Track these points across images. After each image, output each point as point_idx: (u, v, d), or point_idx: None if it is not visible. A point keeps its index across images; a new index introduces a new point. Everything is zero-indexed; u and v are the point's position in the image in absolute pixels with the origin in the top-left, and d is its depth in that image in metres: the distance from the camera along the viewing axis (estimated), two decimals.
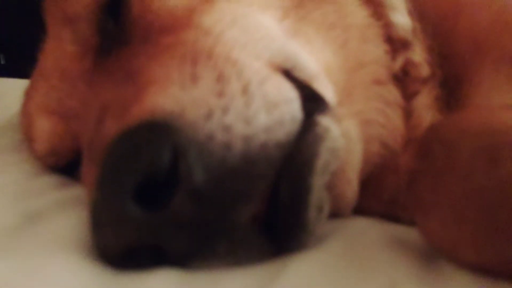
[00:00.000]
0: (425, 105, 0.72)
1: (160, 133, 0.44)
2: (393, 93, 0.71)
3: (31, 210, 0.55)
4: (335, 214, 0.64)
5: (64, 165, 0.72)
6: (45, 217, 0.54)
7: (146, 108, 0.47)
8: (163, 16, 0.62)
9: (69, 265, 0.44)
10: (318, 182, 0.50)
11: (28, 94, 0.76)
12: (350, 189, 0.65)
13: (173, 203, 0.42)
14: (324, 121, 0.55)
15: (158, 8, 0.63)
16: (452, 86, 0.74)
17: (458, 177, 0.44)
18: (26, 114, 0.76)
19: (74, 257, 0.45)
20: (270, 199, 0.48)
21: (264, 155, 0.46)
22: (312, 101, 0.57)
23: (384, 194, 0.70)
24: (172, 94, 0.48)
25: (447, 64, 0.74)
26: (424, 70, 0.72)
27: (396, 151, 0.71)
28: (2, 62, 4.63)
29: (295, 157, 0.49)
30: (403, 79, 0.72)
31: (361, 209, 0.69)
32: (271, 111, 0.49)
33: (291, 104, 0.52)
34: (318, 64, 0.66)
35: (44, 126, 0.70)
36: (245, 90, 0.50)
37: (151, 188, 0.42)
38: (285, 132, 0.49)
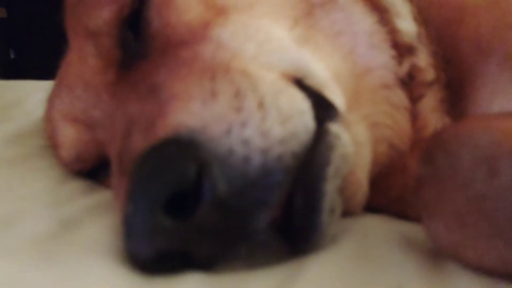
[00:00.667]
0: (431, 108, 0.75)
1: (185, 149, 0.48)
2: (399, 97, 0.74)
3: (64, 217, 0.59)
4: (346, 213, 0.68)
5: (89, 170, 0.76)
6: (78, 223, 0.58)
7: (171, 124, 0.51)
8: (180, 29, 0.66)
9: (104, 272, 0.48)
10: (330, 188, 0.54)
11: (51, 102, 0.80)
12: (360, 189, 0.69)
13: (199, 213, 0.47)
14: (335, 128, 0.58)
15: (175, 22, 0.66)
16: (456, 89, 0.76)
17: (460, 185, 0.47)
18: (50, 121, 0.79)
19: (108, 264, 0.49)
20: (287, 205, 0.52)
21: (281, 166, 0.50)
22: (323, 109, 0.60)
23: (392, 192, 0.74)
24: (194, 110, 0.51)
25: (451, 67, 0.76)
26: (429, 74, 0.75)
27: (404, 151, 0.74)
28: (12, 57, 4.68)
29: (308, 165, 0.53)
30: (409, 83, 0.75)
31: (370, 207, 0.73)
32: (286, 123, 0.53)
33: (304, 115, 0.55)
34: (327, 71, 0.69)
35: (69, 133, 0.73)
36: (261, 105, 0.53)
37: (179, 199, 0.46)
38: (299, 143, 0.53)
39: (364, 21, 0.76)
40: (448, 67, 0.77)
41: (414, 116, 0.75)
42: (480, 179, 0.46)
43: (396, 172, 0.75)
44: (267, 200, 0.49)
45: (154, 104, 0.56)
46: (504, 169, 0.45)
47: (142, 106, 0.58)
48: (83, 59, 0.72)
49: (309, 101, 0.57)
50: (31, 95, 1.09)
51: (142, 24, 0.67)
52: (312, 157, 0.54)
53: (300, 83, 0.62)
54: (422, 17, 0.79)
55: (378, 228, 0.63)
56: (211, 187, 0.47)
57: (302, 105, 0.56)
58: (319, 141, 0.55)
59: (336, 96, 0.65)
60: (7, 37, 4.60)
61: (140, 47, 0.67)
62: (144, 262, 0.48)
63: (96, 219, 0.59)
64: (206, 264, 0.49)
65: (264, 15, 0.71)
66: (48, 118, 0.80)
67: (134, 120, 0.57)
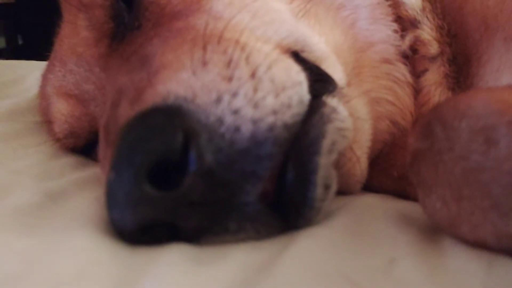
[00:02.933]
0: (434, 82, 0.73)
1: (172, 117, 0.46)
2: (401, 71, 0.72)
3: (52, 190, 0.59)
4: (345, 191, 0.66)
5: (82, 146, 0.75)
6: (66, 195, 0.58)
7: (159, 93, 0.49)
8: (174, 0, 0.64)
9: (89, 241, 0.47)
10: (324, 162, 0.52)
11: (46, 77, 0.79)
12: (359, 167, 0.67)
13: (184, 183, 0.45)
14: (332, 102, 0.57)
15: None
16: (461, 63, 0.74)
17: (457, 157, 0.45)
18: (44, 97, 0.79)
19: (93, 234, 0.48)
20: (279, 178, 0.50)
21: (272, 136, 0.49)
22: (320, 82, 0.58)
23: (394, 171, 0.72)
24: (184, 79, 0.50)
25: (456, 42, 0.74)
26: (433, 48, 0.73)
27: (406, 128, 0.72)
28: (20, 43, 4.70)
29: (301, 137, 0.51)
30: (412, 57, 0.73)
31: (372, 186, 0.71)
32: (279, 94, 0.51)
33: (298, 87, 0.53)
34: (327, 45, 0.67)
35: (62, 109, 0.73)
36: (253, 75, 0.51)
37: (165, 168, 0.45)
38: (292, 114, 0.51)
39: None
40: (453, 42, 0.74)
41: (416, 91, 0.73)
42: (477, 149, 0.44)
43: (397, 150, 0.73)
44: (256, 171, 0.48)
45: (143, 74, 0.55)
46: (502, 138, 0.43)
47: (132, 76, 0.56)
48: (76, 32, 0.71)
49: (306, 73, 0.55)
50: (30, 74, 1.09)
51: None
52: (306, 129, 0.52)
53: (298, 56, 0.60)
54: None
55: (375, 206, 0.62)
56: (198, 157, 0.45)
57: (297, 76, 0.54)
58: (314, 113, 0.53)
59: (335, 70, 0.64)
60: (15, 22, 4.62)
61: (133, 18, 0.66)
62: (127, 232, 0.47)
63: (84, 192, 0.58)
64: (193, 236, 0.48)
65: None
66: (42, 94, 0.80)
67: (123, 90, 0.56)
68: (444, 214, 0.47)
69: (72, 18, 0.72)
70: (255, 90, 0.50)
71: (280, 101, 0.51)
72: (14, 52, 4.77)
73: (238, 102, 0.49)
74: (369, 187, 0.71)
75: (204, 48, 0.54)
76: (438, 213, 0.48)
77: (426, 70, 0.73)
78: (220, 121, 0.47)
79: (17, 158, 0.72)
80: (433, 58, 0.73)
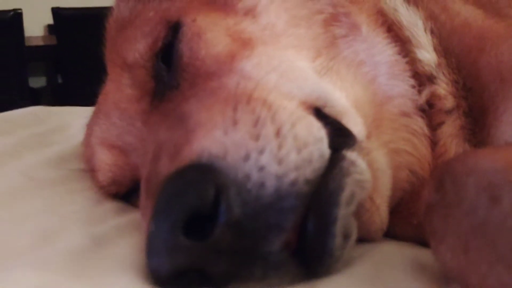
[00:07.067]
0: (450, 135, 0.76)
1: (205, 174, 0.52)
2: (419, 124, 0.76)
3: (96, 235, 0.65)
4: (366, 238, 0.70)
5: (124, 193, 0.81)
6: (109, 240, 0.63)
7: (195, 151, 0.55)
8: (208, 62, 0.70)
9: (131, 285, 0.52)
10: (343, 213, 0.56)
11: (90, 128, 0.86)
12: (379, 215, 0.71)
13: (215, 233, 0.50)
14: (351, 155, 0.61)
15: (205, 55, 0.71)
16: (477, 115, 0.77)
17: (465, 212, 0.49)
18: (88, 146, 0.85)
19: (133, 279, 0.53)
20: (301, 227, 0.55)
21: (294, 191, 0.53)
22: (340, 136, 0.63)
23: (413, 219, 0.74)
24: (216, 138, 0.56)
25: (472, 95, 0.78)
26: (449, 102, 0.77)
27: (424, 177, 0.76)
28: (60, 81, 4.91)
29: (322, 190, 0.56)
30: (429, 111, 0.77)
31: (394, 233, 0.74)
32: (301, 150, 0.56)
33: (320, 143, 0.58)
34: (348, 99, 0.72)
35: (106, 159, 0.79)
36: (278, 133, 0.57)
37: (198, 220, 0.50)
38: (313, 169, 0.56)
39: (385, 52, 0.79)
40: (469, 95, 0.78)
41: (434, 143, 0.77)
42: (483, 205, 0.48)
43: (417, 198, 0.76)
44: (280, 223, 0.52)
45: (181, 132, 0.60)
46: (506, 196, 0.46)
47: (171, 133, 0.62)
48: (120, 89, 0.77)
49: (327, 129, 0.60)
50: (74, 121, 1.16)
51: (174, 57, 0.73)
52: (326, 183, 0.56)
53: (320, 112, 0.65)
54: (443, 46, 0.81)
55: (393, 254, 0.65)
56: (227, 209, 0.51)
57: (318, 133, 0.59)
58: (334, 167, 0.58)
59: (355, 124, 0.68)
60: (56, 63, 4.84)
61: (172, 78, 0.72)
62: (164, 278, 0.52)
63: (125, 237, 0.64)
64: (222, 282, 0.53)
65: (288, 47, 0.75)
66: (86, 144, 0.86)
67: (163, 146, 0.62)
68: (454, 264, 0.50)
69: (116, 77, 0.79)
70: (280, 147, 0.55)
71: (302, 157, 0.56)
72: (55, 90, 5.00)
73: (264, 159, 0.54)
74: (391, 234, 0.74)
75: (235, 108, 0.60)
76: (449, 263, 0.51)
77: (442, 123, 0.76)
78: (248, 177, 0.53)
79: (64, 204, 0.78)
80: (449, 112, 0.77)
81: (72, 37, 4.32)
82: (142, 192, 0.63)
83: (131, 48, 0.76)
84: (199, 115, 0.61)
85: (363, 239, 0.71)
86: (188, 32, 0.73)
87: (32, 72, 4.80)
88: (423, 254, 0.64)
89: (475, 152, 0.53)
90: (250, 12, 0.77)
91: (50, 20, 4.61)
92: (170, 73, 0.72)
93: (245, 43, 0.72)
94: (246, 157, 0.54)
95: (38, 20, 5.05)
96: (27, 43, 4.40)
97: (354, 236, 0.58)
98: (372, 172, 0.68)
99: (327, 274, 0.56)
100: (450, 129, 0.76)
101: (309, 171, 0.55)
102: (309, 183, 0.55)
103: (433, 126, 0.77)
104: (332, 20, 0.79)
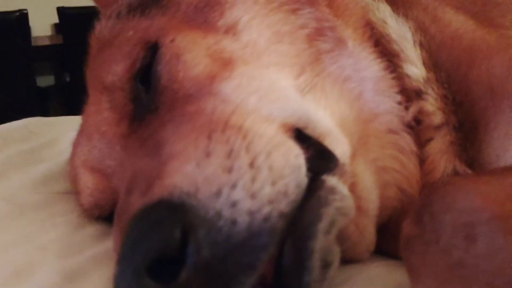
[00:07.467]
0: (439, 151, 0.74)
1: (174, 214, 0.50)
2: (406, 141, 0.74)
3: (70, 268, 0.63)
4: (354, 259, 0.68)
5: (107, 215, 0.79)
6: (84, 274, 0.62)
7: (166, 187, 0.53)
8: (187, 84, 0.68)
9: None
10: (321, 244, 0.54)
11: (74, 148, 0.84)
12: (364, 237, 0.69)
13: (182, 276, 0.49)
14: (331, 180, 0.59)
15: (183, 77, 0.68)
16: (468, 131, 0.75)
17: (441, 250, 0.48)
18: (73, 167, 0.84)
19: None
20: (277, 261, 0.53)
21: (267, 227, 0.51)
22: (322, 159, 0.61)
23: None
24: (188, 173, 0.53)
25: (462, 110, 0.76)
26: (437, 118, 0.75)
27: (413, 195, 0.74)
28: (68, 80, 4.93)
29: (298, 222, 0.54)
30: (416, 127, 0.75)
31: (384, 251, 0.73)
32: (276, 182, 0.54)
33: (296, 172, 0.56)
34: (333, 117, 0.70)
35: (87, 182, 0.78)
36: (252, 164, 0.54)
37: (164, 261, 0.49)
38: (289, 202, 0.53)
39: (372, 67, 0.77)
40: (459, 110, 0.76)
41: (422, 160, 0.75)
42: (459, 245, 0.46)
43: (406, 216, 0.74)
44: (252, 262, 0.50)
45: (155, 163, 0.58)
46: (481, 236, 0.45)
47: (146, 163, 0.61)
48: (99, 112, 0.76)
49: (308, 151, 0.58)
50: (65, 134, 1.15)
51: (152, 79, 0.70)
52: (302, 214, 0.54)
53: (301, 133, 0.63)
54: (432, 60, 0.78)
55: (378, 279, 0.64)
56: (195, 251, 0.49)
57: (296, 160, 0.57)
58: (311, 196, 0.56)
59: (338, 144, 0.66)
60: (63, 62, 4.85)
61: (151, 101, 0.70)
62: None
63: (101, 268, 0.63)
64: None
65: (271, 65, 0.72)
66: (71, 164, 0.85)
67: (137, 177, 0.60)
68: None
69: (96, 99, 0.77)
70: (253, 180, 0.53)
71: (277, 190, 0.53)
72: (63, 89, 5.02)
73: (236, 194, 0.52)
74: (382, 251, 0.72)
75: (209, 137, 0.57)
76: None
77: (431, 139, 0.75)
78: (219, 214, 0.51)
79: (45, 231, 0.77)
80: (437, 127, 0.75)
81: (78, 36, 4.31)
82: (114, 225, 0.61)
83: (109, 70, 0.74)
84: (173, 144, 0.59)
85: (350, 260, 0.69)
86: (166, 54, 0.71)
87: (39, 72, 4.82)
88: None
89: (454, 186, 0.51)
90: (231, 30, 0.74)
91: (56, 19, 4.62)
92: (149, 96, 0.70)
93: (225, 63, 0.70)
94: (218, 193, 0.52)
95: (44, 20, 5.06)
96: (34, 43, 4.41)
97: (336, 263, 0.57)
98: (357, 192, 0.66)
99: None
100: (439, 145, 0.75)
101: (284, 204, 0.53)
102: (284, 217, 0.53)
103: (422, 143, 0.75)
104: (316, 34, 0.77)
